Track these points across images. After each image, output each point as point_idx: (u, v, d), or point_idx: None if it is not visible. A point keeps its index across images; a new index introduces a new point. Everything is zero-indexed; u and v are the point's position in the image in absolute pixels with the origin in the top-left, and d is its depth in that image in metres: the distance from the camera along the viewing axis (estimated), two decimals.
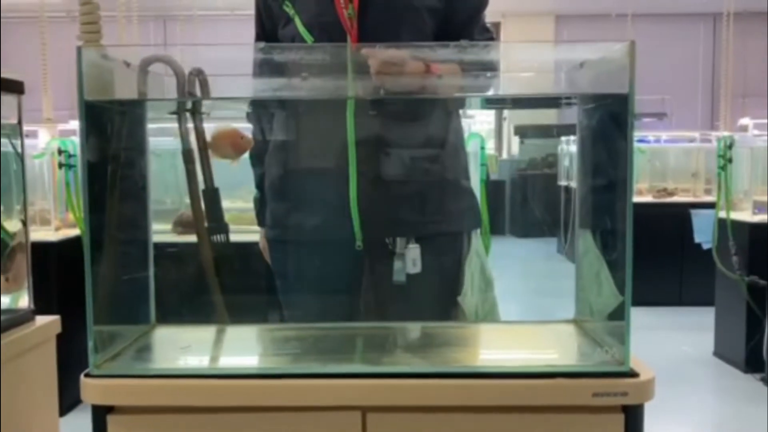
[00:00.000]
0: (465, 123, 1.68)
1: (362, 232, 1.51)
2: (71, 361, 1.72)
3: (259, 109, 1.59)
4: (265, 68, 1.27)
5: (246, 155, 1.53)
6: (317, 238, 1.56)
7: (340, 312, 1.58)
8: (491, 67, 1.27)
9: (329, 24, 1.50)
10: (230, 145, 1.39)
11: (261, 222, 1.69)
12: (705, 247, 4.24)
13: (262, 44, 1.30)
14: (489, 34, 1.62)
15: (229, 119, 1.60)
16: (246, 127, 1.67)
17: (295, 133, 1.59)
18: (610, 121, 1.22)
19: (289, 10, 1.53)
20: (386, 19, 1.50)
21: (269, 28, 1.61)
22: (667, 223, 5.16)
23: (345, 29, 1.49)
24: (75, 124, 4.13)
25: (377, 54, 1.27)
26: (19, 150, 1.64)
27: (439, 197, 1.57)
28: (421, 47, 1.36)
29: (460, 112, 1.64)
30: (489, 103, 1.49)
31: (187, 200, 1.41)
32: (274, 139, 1.59)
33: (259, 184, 1.65)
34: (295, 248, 1.61)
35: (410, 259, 1.51)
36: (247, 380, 1.12)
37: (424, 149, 1.55)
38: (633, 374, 1.10)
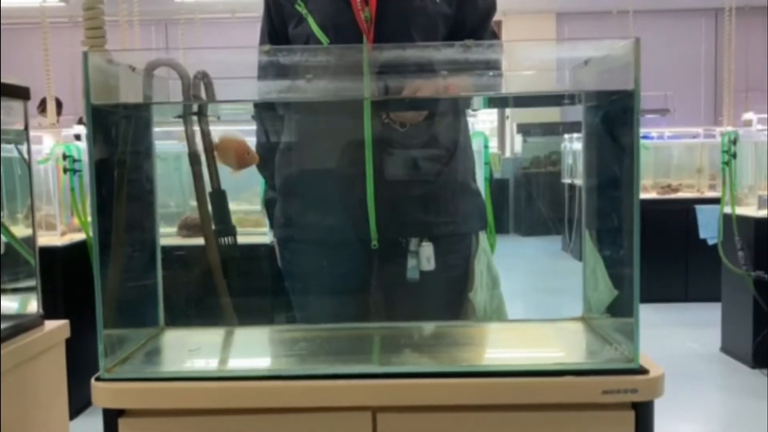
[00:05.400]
0: (469, 122, 1.69)
1: (378, 232, 1.52)
2: (79, 364, 1.73)
3: (271, 111, 1.60)
4: (281, 70, 1.27)
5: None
6: (331, 237, 1.57)
7: (352, 312, 1.59)
8: (497, 66, 1.28)
9: (345, 26, 1.51)
10: (234, 155, 1.39)
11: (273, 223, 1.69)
12: (710, 242, 4.24)
13: (268, 46, 1.30)
14: (496, 39, 1.64)
15: (238, 122, 1.61)
16: (252, 130, 1.68)
17: (311, 134, 1.60)
18: (615, 119, 1.22)
19: (302, 9, 1.54)
20: (400, 23, 1.51)
21: (278, 26, 1.61)
22: (672, 220, 5.16)
23: (361, 31, 1.50)
24: (78, 129, 4.14)
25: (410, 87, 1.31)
26: (26, 155, 1.64)
27: (452, 198, 1.59)
28: (428, 47, 1.36)
29: (465, 111, 1.66)
30: (496, 102, 1.50)
31: (192, 203, 1.42)
32: (288, 141, 1.60)
33: (273, 185, 1.66)
34: (309, 248, 1.61)
35: (424, 256, 1.53)
36: (257, 382, 1.12)
37: (439, 151, 1.56)
38: (642, 371, 1.10)
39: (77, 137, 3.94)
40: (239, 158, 1.39)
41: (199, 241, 1.42)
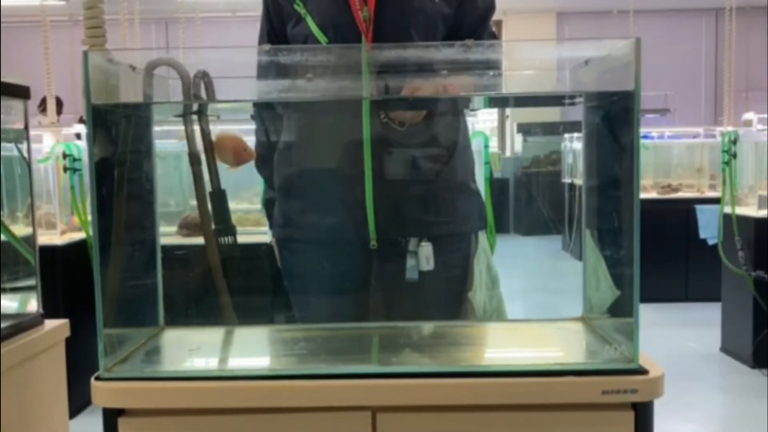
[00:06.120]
0: (469, 122, 1.69)
1: (377, 232, 1.52)
2: (78, 364, 1.73)
3: (270, 110, 1.60)
4: (280, 69, 1.27)
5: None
6: (330, 237, 1.57)
7: (352, 311, 1.59)
8: (497, 66, 1.28)
9: (343, 25, 1.51)
10: (232, 152, 1.39)
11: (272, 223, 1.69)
12: (710, 242, 4.24)
13: (268, 46, 1.30)
14: (495, 40, 1.64)
15: (237, 121, 1.61)
16: (251, 129, 1.68)
17: (310, 134, 1.60)
18: (615, 118, 1.22)
19: (301, 9, 1.54)
20: (399, 23, 1.51)
21: (277, 25, 1.61)
22: (672, 220, 5.16)
23: (360, 31, 1.50)
24: (78, 128, 4.14)
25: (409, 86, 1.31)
26: (26, 154, 1.64)
27: (451, 197, 1.59)
28: (428, 47, 1.36)
29: (465, 111, 1.65)
30: (496, 101, 1.50)
31: (192, 202, 1.42)
32: (286, 140, 1.60)
33: (272, 185, 1.66)
34: (307, 248, 1.61)
35: (423, 256, 1.53)
36: (257, 381, 1.12)
37: (438, 150, 1.56)
38: (642, 371, 1.10)
39: (78, 136, 3.94)
40: (236, 155, 1.39)
41: (199, 240, 1.42)
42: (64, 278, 3.25)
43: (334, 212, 1.57)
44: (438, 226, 1.57)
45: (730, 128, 4.89)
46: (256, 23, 1.70)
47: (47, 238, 3.29)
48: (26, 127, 1.61)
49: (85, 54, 1.11)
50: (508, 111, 8.34)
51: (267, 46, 1.30)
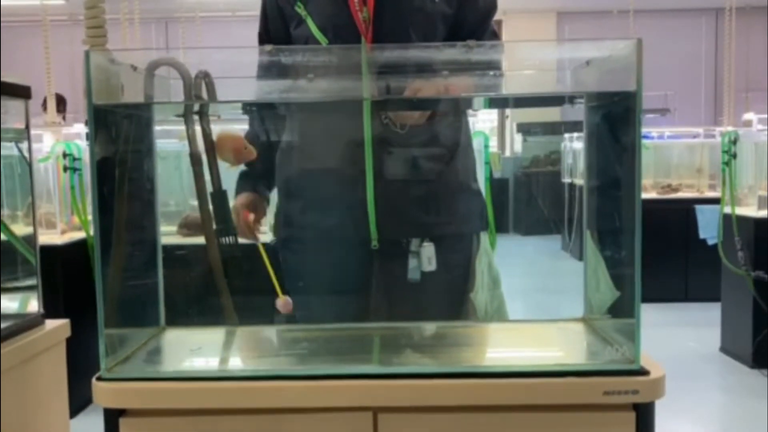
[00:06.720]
0: (469, 121, 1.69)
1: (378, 232, 1.52)
2: (79, 363, 1.73)
3: (270, 110, 1.60)
4: (281, 70, 1.27)
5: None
6: (332, 237, 1.57)
7: (353, 312, 1.59)
8: (498, 66, 1.28)
9: (343, 26, 1.51)
10: (232, 151, 1.40)
11: (240, 188, 1.63)
12: (710, 242, 4.24)
13: (269, 46, 1.30)
14: (496, 39, 1.64)
15: (239, 121, 1.61)
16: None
17: (311, 135, 1.59)
18: (616, 119, 1.22)
19: (301, 11, 1.54)
20: (399, 23, 1.51)
21: (278, 28, 1.61)
22: (672, 220, 5.16)
23: (359, 32, 1.50)
24: (78, 128, 4.14)
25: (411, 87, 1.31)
26: (26, 154, 1.64)
27: (453, 198, 1.59)
28: (428, 47, 1.36)
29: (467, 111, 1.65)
30: (497, 102, 1.50)
31: (192, 202, 1.42)
32: (287, 140, 1.60)
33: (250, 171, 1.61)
34: (309, 248, 1.61)
35: (425, 257, 1.53)
36: (258, 382, 1.12)
37: (440, 151, 1.56)
38: (644, 372, 1.10)
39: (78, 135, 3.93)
40: (237, 153, 1.39)
41: (200, 240, 1.42)
42: (64, 278, 3.24)
43: (336, 213, 1.57)
44: (440, 226, 1.57)
45: (730, 128, 4.89)
46: (256, 23, 1.70)
47: (47, 237, 3.29)
48: (27, 127, 1.61)
49: (87, 54, 1.11)
50: (508, 111, 8.34)
51: (269, 47, 1.30)
